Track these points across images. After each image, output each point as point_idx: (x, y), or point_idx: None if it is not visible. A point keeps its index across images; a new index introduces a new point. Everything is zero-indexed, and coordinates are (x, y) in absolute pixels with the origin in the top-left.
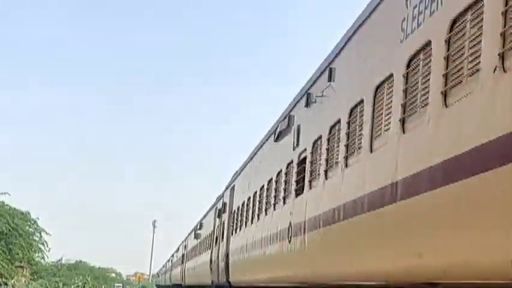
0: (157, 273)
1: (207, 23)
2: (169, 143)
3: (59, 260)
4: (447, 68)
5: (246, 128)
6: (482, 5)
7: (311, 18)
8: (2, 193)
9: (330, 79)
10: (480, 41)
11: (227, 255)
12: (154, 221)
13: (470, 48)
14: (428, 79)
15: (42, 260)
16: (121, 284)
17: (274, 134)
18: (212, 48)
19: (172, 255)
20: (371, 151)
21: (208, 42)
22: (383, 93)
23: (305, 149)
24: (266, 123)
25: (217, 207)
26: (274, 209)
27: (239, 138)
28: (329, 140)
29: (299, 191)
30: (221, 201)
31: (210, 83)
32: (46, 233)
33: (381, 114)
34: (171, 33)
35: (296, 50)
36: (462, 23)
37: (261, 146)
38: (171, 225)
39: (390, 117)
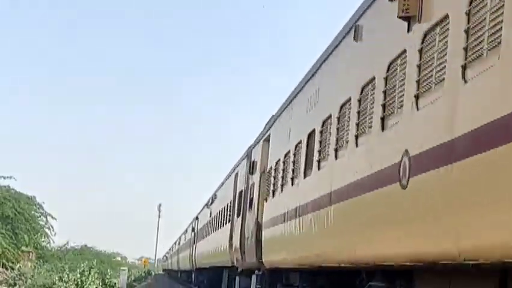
0: (164, 256)
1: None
2: (175, 129)
3: (65, 244)
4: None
5: (251, 117)
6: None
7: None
8: (7, 177)
9: None
10: None
11: None
12: (160, 205)
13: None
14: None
15: (48, 245)
16: (126, 268)
17: None
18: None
19: (195, 220)
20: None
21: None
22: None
23: None
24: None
25: None
26: None
27: (243, 127)
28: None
29: None
30: None
31: (212, 69)
32: (52, 217)
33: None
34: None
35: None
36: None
37: None
38: (176, 210)
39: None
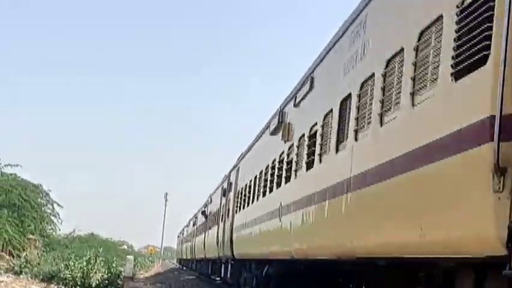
0: (179, 235)
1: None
2: (181, 120)
3: (72, 232)
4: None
5: (254, 109)
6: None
7: None
8: (14, 165)
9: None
10: None
11: None
12: (166, 193)
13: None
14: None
15: (54, 233)
16: (132, 257)
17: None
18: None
19: (231, 173)
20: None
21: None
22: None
23: None
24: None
25: None
26: None
27: (246, 119)
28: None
29: None
30: None
31: (221, 65)
32: (58, 205)
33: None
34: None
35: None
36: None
37: None
38: (183, 198)
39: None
